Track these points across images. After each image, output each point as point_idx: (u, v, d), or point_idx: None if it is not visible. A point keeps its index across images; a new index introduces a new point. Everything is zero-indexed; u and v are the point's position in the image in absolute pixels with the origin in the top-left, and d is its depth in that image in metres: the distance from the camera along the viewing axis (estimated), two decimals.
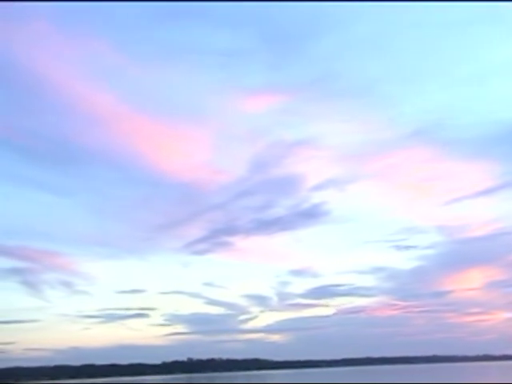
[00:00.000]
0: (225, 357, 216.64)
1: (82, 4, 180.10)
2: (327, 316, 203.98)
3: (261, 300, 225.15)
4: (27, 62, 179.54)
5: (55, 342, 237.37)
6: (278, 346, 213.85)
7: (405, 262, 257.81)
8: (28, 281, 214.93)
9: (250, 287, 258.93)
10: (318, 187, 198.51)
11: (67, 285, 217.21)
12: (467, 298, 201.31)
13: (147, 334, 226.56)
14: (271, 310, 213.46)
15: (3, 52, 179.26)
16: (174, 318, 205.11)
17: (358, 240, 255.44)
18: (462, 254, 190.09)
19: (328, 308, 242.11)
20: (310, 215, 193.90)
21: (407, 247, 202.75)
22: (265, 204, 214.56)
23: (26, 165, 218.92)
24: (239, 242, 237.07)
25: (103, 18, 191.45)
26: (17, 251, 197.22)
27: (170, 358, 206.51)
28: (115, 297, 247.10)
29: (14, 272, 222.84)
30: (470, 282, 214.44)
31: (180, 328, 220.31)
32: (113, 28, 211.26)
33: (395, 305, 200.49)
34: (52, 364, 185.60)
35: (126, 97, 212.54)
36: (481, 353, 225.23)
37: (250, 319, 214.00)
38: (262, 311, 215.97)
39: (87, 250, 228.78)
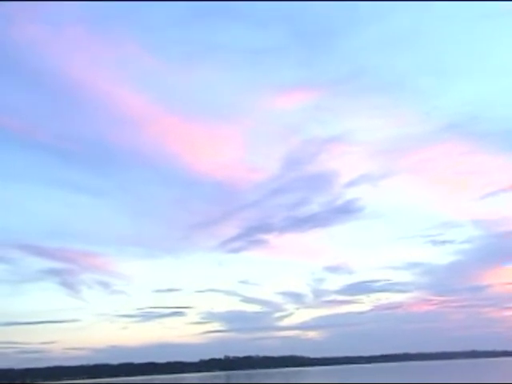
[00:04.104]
0: (261, 354, 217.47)
1: (113, 7, 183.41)
2: (363, 312, 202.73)
3: (296, 297, 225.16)
4: (63, 66, 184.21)
5: (94, 341, 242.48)
6: (314, 342, 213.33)
7: (441, 256, 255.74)
8: (66, 281, 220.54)
9: (285, 284, 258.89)
10: (352, 183, 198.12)
11: (104, 285, 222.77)
12: (506, 292, 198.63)
13: (184, 333, 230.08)
14: (307, 307, 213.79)
15: (40, 56, 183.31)
16: (210, 316, 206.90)
17: (393, 235, 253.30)
18: (499, 247, 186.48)
19: (364, 304, 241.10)
20: (344, 211, 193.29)
21: (443, 242, 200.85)
22: (299, 201, 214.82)
23: (62, 167, 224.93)
24: (274, 239, 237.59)
25: (134, 20, 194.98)
26: (55, 252, 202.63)
27: (207, 356, 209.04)
28: (152, 296, 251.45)
29: (53, 273, 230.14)
30: (508, 276, 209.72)
31: (216, 326, 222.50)
32: (144, 30, 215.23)
33: (432, 300, 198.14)
34: (91, 363, 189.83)
35: (159, 98, 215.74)
36: None
37: (286, 316, 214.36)
38: (297, 308, 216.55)
39: (123, 250, 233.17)
